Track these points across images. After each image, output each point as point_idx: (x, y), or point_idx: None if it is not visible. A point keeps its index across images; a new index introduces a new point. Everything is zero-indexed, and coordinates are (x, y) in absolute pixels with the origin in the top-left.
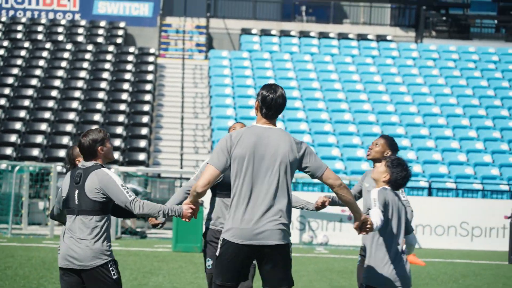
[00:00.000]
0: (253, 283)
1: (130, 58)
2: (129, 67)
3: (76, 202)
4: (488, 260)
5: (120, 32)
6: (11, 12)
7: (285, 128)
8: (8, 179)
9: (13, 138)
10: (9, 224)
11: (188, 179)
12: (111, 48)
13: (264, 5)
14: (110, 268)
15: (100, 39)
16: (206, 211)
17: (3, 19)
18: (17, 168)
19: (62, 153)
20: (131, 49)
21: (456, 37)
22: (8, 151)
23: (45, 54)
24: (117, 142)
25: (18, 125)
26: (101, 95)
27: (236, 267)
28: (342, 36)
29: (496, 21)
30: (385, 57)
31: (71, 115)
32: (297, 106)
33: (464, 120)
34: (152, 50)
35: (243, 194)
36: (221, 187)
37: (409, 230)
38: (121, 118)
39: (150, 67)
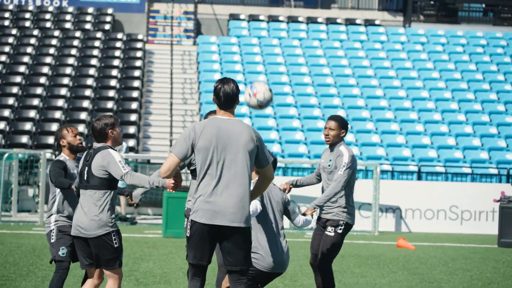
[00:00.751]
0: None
1: (118, 44)
2: (117, 53)
3: (85, 178)
4: (478, 244)
5: (108, 19)
6: None
7: (274, 113)
8: None
9: (1, 125)
10: None
11: None
12: (99, 34)
13: None
14: (113, 238)
15: (88, 26)
16: None
17: None
18: (6, 155)
19: (51, 140)
20: (119, 36)
21: (444, 21)
22: None
23: (32, 41)
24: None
25: (6, 112)
26: (89, 81)
27: (204, 246)
28: (330, 21)
29: (483, 5)
30: (373, 41)
31: (60, 102)
32: (286, 91)
33: (453, 104)
34: (140, 36)
35: (207, 180)
36: (194, 172)
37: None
38: (109, 104)
39: (139, 53)
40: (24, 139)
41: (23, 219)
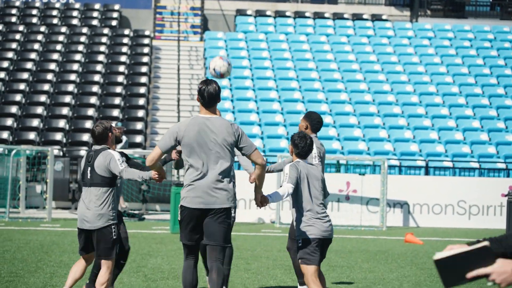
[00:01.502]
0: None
1: (125, 40)
2: (124, 49)
3: (88, 176)
4: None
5: (115, 15)
6: None
7: (281, 109)
8: (5, 163)
9: (9, 122)
10: (6, 208)
11: None
12: (106, 30)
13: None
14: (113, 230)
15: (95, 22)
16: None
17: None
18: (13, 152)
19: (58, 136)
20: (126, 32)
21: (451, 16)
22: (5, 135)
23: (39, 37)
24: (114, 125)
25: (14, 109)
26: (96, 78)
27: (194, 227)
28: (337, 16)
29: (490, 0)
30: (380, 36)
31: (67, 98)
32: (293, 87)
33: (460, 98)
34: (147, 32)
35: (192, 171)
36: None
37: (325, 193)
38: (117, 100)
39: (146, 49)
40: (32, 135)
41: (31, 216)
